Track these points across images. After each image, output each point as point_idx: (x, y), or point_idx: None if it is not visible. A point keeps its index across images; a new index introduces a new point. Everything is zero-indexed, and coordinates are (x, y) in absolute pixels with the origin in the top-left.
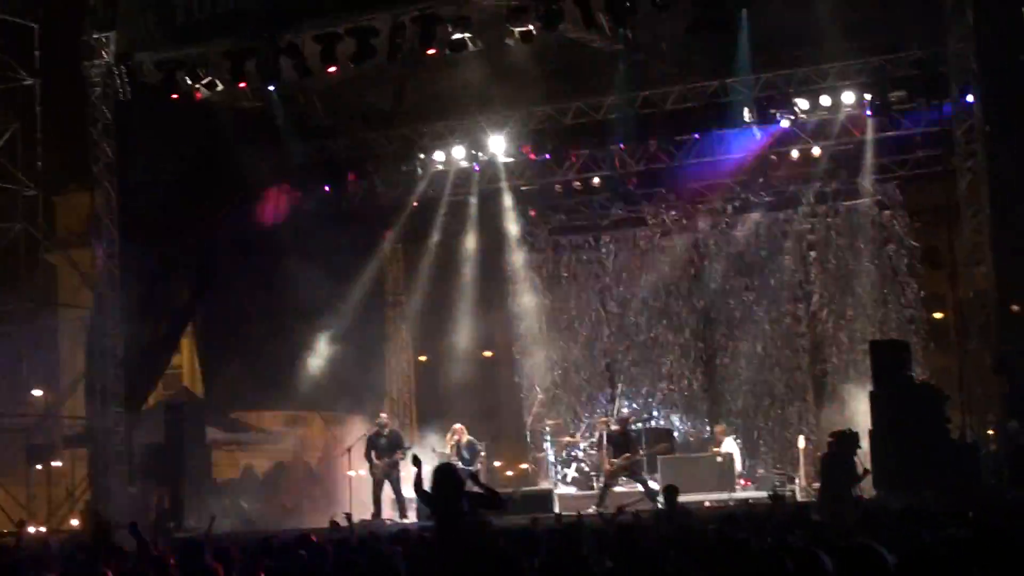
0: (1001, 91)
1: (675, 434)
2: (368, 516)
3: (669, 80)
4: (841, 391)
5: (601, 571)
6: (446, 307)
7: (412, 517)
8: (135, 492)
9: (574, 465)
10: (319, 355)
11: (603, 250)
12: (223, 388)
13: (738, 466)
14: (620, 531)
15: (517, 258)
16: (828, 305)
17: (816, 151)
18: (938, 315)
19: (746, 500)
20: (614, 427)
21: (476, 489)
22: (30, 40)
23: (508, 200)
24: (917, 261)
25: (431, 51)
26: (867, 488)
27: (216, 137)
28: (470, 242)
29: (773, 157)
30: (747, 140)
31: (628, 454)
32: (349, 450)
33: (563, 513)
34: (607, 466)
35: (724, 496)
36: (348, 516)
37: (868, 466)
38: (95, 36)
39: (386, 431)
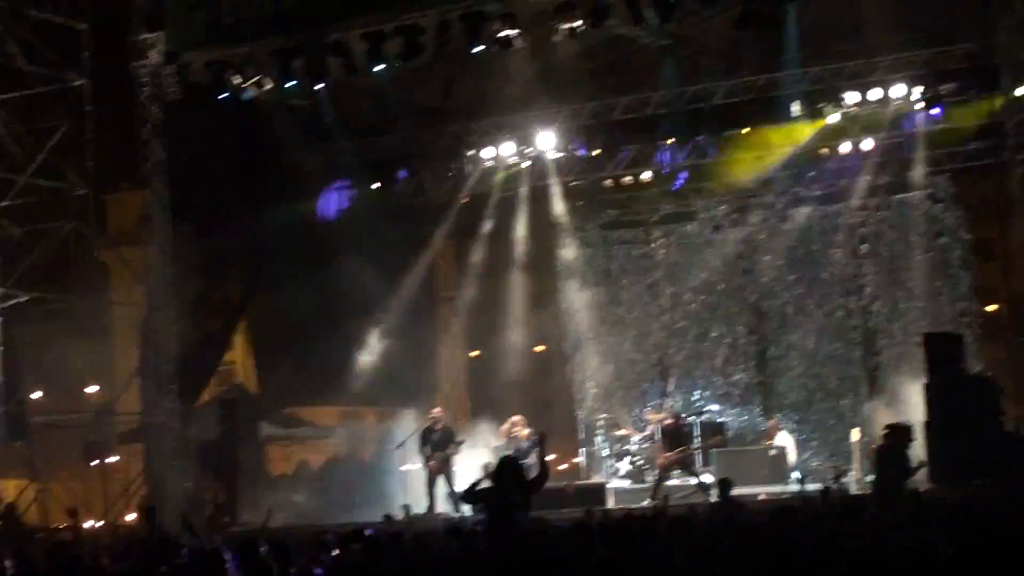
0: None
1: (728, 427)
2: (422, 510)
3: (717, 75)
4: (894, 384)
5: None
6: (497, 303)
7: (466, 511)
8: (190, 488)
9: (627, 459)
10: (372, 351)
11: (653, 245)
12: (277, 384)
13: (792, 459)
14: (673, 524)
15: (567, 253)
16: (880, 298)
17: (866, 145)
18: (991, 308)
19: (800, 493)
20: (667, 421)
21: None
22: (79, 41)
23: (558, 196)
24: (969, 254)
25: (478, 48)
26: (922, 481)
27: (265, 136)
28: (520, 238)
29: (824, 151)
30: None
31: (681, 447)
32: (402, 445)
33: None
34: (660, 460)
35: (778, 489)
36: (406, 508)
37: (924, 459)
38: (143, 37)
39: (439, 426)
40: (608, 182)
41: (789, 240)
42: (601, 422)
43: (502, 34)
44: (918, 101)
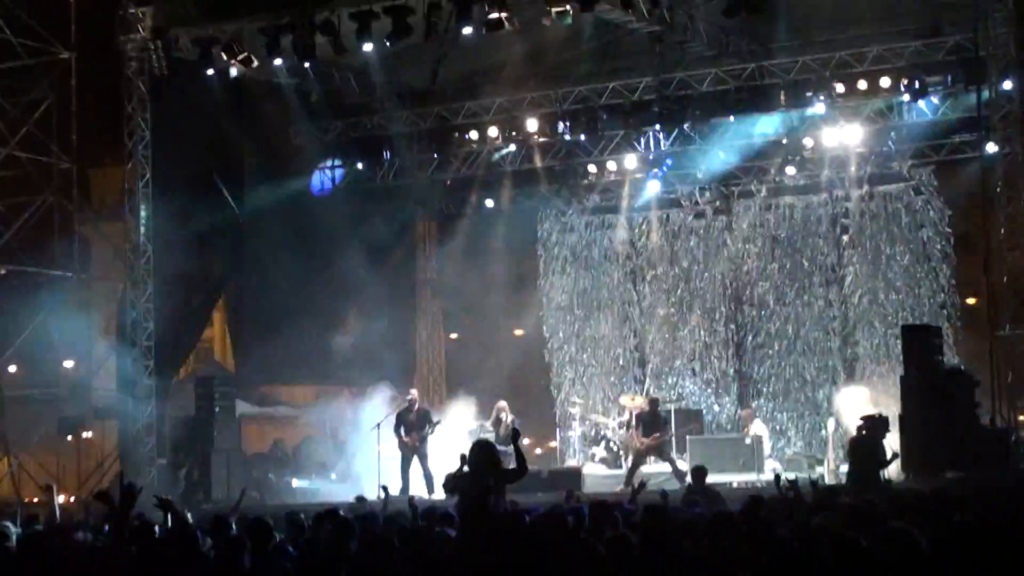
0: None
1: (704, 415)
2: (396, 492)
3: (705, 62)
4: (872, 375)
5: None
6: (477, 285)
7: (439, 493)
8: (164, 465)
9: (603, 444)
10: (350, 330)
11: (635, 231)
12: (254, 362)
13: (766, 448)
14: (647, 511)
15: (550, 238)
16: (860, 289)
17: (851, 136)
18: (971, 300)
19: (775, 483)
20: (644, 407)
21: (510, 450)
22: (67, 14)
23: (542, 180)
24: (951, 246)
25: (467, 30)
26: (894, 472)
27: (250, 113)
28: (503, 221)
29: (808, 140)
30: (782, 123)
31: (657, 434)
32: (379, 426)
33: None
34: (636, 445)
35: (752, 477)
36: (385, 489)
37: (897, 450)
38: (131, 11)
39: (415, 407)
40: (592, 167)
41: (771, 229)
42: (578, 407)
43: (492, 16)
44: (904, 93)
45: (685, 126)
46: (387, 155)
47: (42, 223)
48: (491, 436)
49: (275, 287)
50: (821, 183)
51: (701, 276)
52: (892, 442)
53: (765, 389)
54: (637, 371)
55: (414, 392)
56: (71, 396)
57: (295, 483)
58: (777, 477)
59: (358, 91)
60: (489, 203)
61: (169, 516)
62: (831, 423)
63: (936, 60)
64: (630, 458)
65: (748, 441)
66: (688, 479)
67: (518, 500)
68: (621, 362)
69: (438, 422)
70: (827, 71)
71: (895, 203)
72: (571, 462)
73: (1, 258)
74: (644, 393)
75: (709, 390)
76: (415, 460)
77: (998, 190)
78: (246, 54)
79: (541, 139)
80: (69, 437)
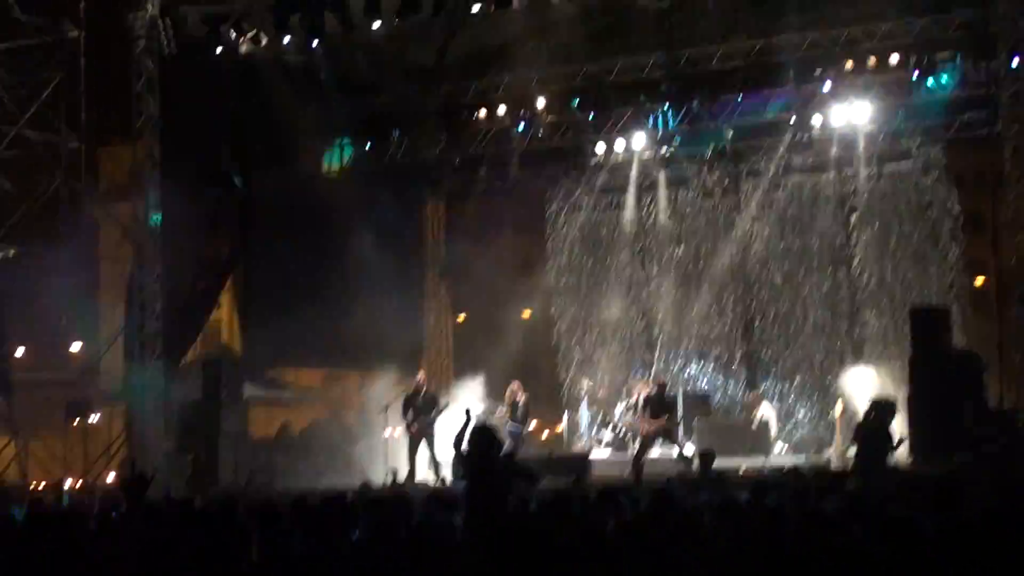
0: None
1: (712, 398)
2: (403, 476)
3: (714, 39)
4: (880, 357)
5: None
6: (486, 267)
7: (447, 477)
8: (172, 448)
9: (610, 427)
10: (358, 313)
11: (644, 210)
12: (262, 344)
13: (774, 431)
14: (654, 497)
15: (557, 218)
16: (868, 269)
17: (859, 114)
18: (979, 281)
19: (781, 467)
20: (652, 390)
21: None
22: None
23: (550, 159)
24: (959, 226)
25: (476, 7)
26: (901, 456)
27: (259, 92)
28: (511, 202)
29: (816, 118)
30: (790, 100)
31: (666, 416)
32: (386, 409)
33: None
34: (644, 429)
35: (759, 462)
36: (394, 472)
37: (904, 434)
38: None
39: (423, 391)
40: (601, 145)
41: (779, 208)
42: (585, 389)
43: None
44: (913, 70)
45: (694, 104)
46: (396, 134)
47: (51, 204)
48: (505, 419)
49: (283, 269)
50: (830, 162)
51: (710, 256)
52: (900, 425)
53: (773, 371)
54: (646, 354)
55: (421, 375)
56: (79, 380)
57: (302, 467)
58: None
59: (367, 70)
60: (497, 183)
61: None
62: (839, 406)
63: (945, 37)
64: (638, 441)
65: (755, 425)
66: (696, 463)
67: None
68: (629, 344)
69: (446, 405)
70: (836, 48)
71: (904, 182)
72: (578, 446)
73: (10, 239)
74: (652, 376)
75: (717, 372)
76: (422, 444)
77: (1008, 169)
78: (255, 31)
79: (549, 117)
80: (76, 421)
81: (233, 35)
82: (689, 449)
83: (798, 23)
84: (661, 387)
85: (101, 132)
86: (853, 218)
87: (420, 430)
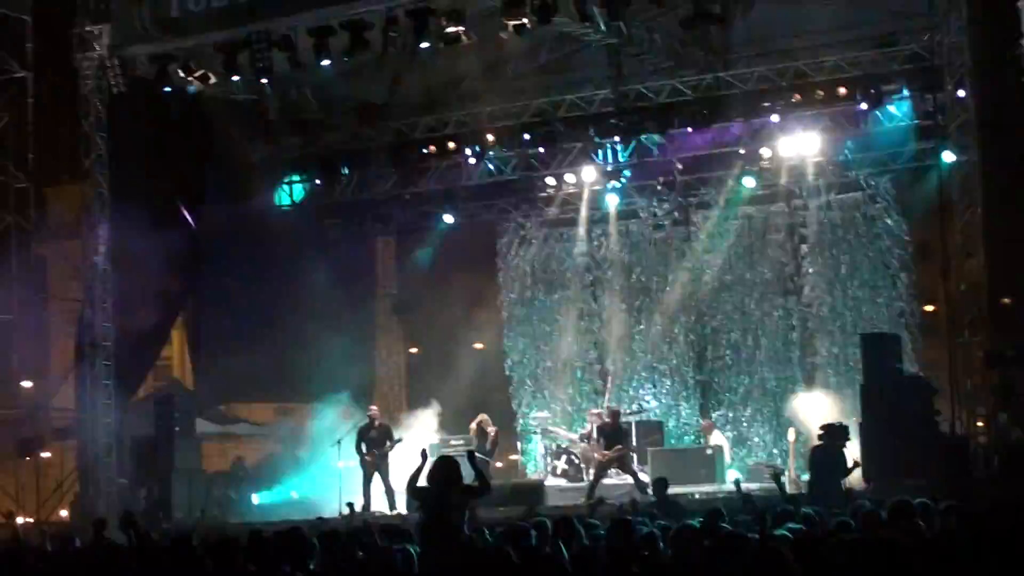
0: (994, 85)
1: (666, 426)
2: (359, 508)
3: (662, 74)
4: (831, 384)
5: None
6: (437, 299)
7: (401, 509)
8: (124, 484)
9: (564, 457)
10: (310, 346)
11: (595, 243)
12: (213, 380)
13: (727, 458)
14: (611, 525)
15: (509, 250)
16: (819, 298)
17: (808, 145)
18: (929, 308)
19: (734, 493)
20: (605, 419)
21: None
22: (22, 33)
23: (501, 193)
24: (908, 255)
25: (424, 44)
26: (855, 481)
27: (209, 130)
28: (462, 235)
29: (766, 150)
30: (740, 133)
31: (619, 446)
32: (339, 442)
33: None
34: (598, 458)
35: (713, 488)
36: (351, 506)
37: (858, 458)
38: (88, 29)
39: (376, 423)
40: (551, 179)
41: (730, 239)
42: (538, 420)
43: (449, 30)
44: (861, 102)
45: (643, 138)
46: (346, 170)
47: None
48: (475, 448)
49: (234, 304)
50: (779, 193)
51: (661, 287)
52: (853, 450)
53: (726, 399)
54: (598, 383)
55: (374, 409)
56: (30, 417)
57: (256, 500)
58: (737, 483)
59: (316, 107)
60: (448, 218)
61: (132, 534)
62: (791, 432)
63: (892, 69)
64: (591, 471)
65: (709, 452)
66: (650, 491)
67: (480, 515)
68: (582, 375)
69: (399, 440)
70: (784, 81)
71: (853, 212)
72: (533, 475)
73: None
74: (605, 406)
75: (670, 401)
76: (376, 476)
77: (955, 198)
78: (203, 71)
79: (500, 152)
80: (28, 458)
81: (181, 75)
82: (644, 477)
83: (746, 57)
84: (614, 416)
85: (50, 171)
86: (804, 248)
87: (373, 462)
